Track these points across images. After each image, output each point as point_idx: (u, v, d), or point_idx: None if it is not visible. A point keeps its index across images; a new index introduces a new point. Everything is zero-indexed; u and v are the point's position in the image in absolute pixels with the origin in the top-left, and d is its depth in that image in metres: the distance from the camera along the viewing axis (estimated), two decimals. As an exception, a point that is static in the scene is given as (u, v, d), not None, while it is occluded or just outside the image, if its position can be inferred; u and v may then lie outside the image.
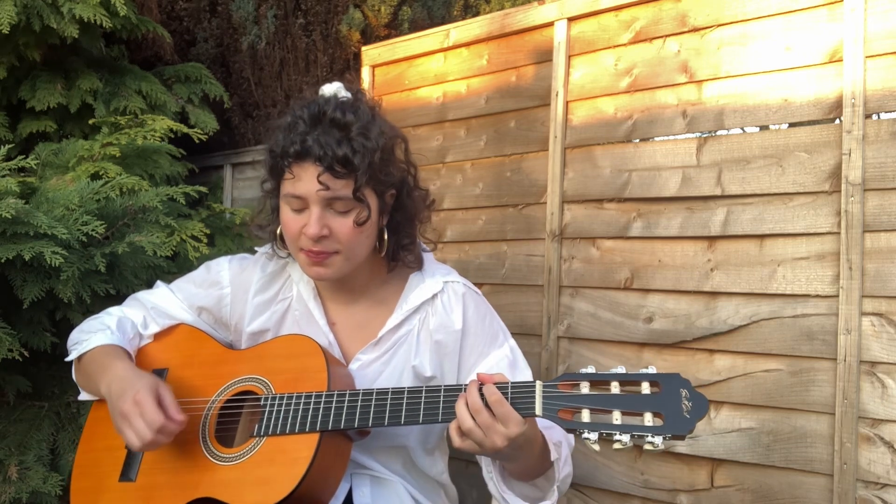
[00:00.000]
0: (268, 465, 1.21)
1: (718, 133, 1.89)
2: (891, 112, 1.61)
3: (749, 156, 1.79)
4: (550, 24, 2.18)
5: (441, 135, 2.46)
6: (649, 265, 1.94)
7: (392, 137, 1.32)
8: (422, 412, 1.19)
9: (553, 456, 1.23)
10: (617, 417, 1.06)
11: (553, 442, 1.23)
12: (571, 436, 1.28)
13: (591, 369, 1.12)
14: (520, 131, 2.26)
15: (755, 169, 1.78)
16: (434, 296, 1.36)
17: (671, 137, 1.94)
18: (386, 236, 1.34)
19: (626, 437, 1.04)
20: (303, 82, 4.07)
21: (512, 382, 1.14)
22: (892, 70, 1.61)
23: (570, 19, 2.14)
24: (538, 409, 1.10)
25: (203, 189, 2.57)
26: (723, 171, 1.83)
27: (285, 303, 1.42)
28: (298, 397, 1.25)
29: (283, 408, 1.25)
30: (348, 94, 1.31)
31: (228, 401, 1.33)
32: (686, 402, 1.05)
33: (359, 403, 1.22)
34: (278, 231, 1.35)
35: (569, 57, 2.14)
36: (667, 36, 1.96)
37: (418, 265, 1.41)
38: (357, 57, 3.85)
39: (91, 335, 1.41)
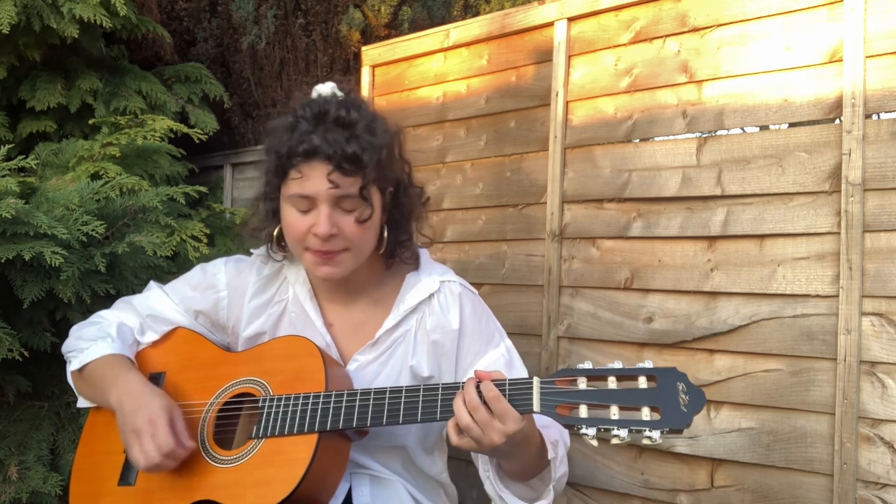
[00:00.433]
0: (267, 467, 1.21)
1: (718, 133, 1.89)
2: (891, 112, 1.61)
3: (749, 156, 1.79)
4: (550, 24, 2.18)
5: (441, 135, 2.46)
6: (649, 265, 1.94)
7: (394, 134, 1.32)
8: (420, 411, 1.18)
9: (550, 455, 1.23)
10: (615, 412, 1.06)
11: (550, 441, 1.23)
12: (567, 434, 1.28)
13: (587, 364, 1.12)
14: (520, 131, 2.26)
15: (755, 169, 1.78)
16: (431, 295, 1.36)
17: (671, 137, 1.93)
18: (385, 233, 1.34)
19: (623, 432, 1.04)
20: (303, 82, 4.07)
21: (509, 379, 1.14)
22: (892, 70, 1.61)
23: (570, 19, 2.14)
24: (536, 406, 1.10)
25: (203, 189, 2.57)
26: (723, 171, 1.83)
27: (281, 305, 1.41)
28: (296, 398, 1.25)
29: (281, 409, 1.25)
30: (341, 94, 1.31)
31: (226, 403, 1.33)
32: (683, 396, 1.05)
33: (357, 403, 1.22)
34: (275, 233, 1.34)
35: (569, 57, 2.14)
36: (667, 36, 1.96)
37: (415, 263, 1.41)
38: (357, 57, 3.85)
39: (92, 343, 1.39)
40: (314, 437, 1.21)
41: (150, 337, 1.45)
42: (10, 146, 2.27)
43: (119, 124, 2.81)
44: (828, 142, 1.68)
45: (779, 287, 1.72)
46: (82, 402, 1.45)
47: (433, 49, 2.48)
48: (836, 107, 1.67)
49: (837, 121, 1.68)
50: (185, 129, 2.92)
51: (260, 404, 1.28)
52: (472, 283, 1.46)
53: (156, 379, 1.38)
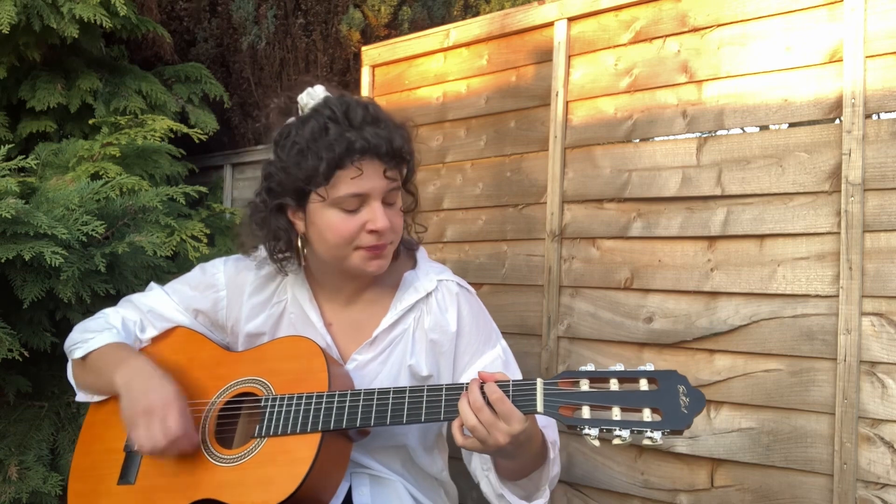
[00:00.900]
0: (269, 466, 1.21)
1: (718, 133, 1.89)
2: (891, 112, 1.61)
3: (749, 156, 1.79)
4: (550, 24, 2.18)
5: (441, 135, 2.46)
6: (649, 265, 1.94)
7: (409, 127, 1.34)
8: (424, 411, 1.19)
9: (551, 455, 1.25)
10: (616, 413, 1.08)
11: (550, 441, 1.26)
12: (557, 437, 1.31)
13: (590, 367, 1.14)
14: (520, 131, 2.26)
15: (755, 169, 1.78)
16: (428, 294, 1.37)
17: (671, 137, 1.94)
18: None
19: (625, 433, 1.06)
20: (303, 82, 4.07)
21: (513, 381, 1.15)
22: (892, 70, 1.61)
23: (570, 19, 2.14)
24: (539, 406, 1.11)
25: (203, 189, 2.57)
26: (723, 171, 1.83)
27: (280, 306, 1.41)
28: (299, 398, 1.25)
29: (283, 408, 1.25)
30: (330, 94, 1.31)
31: (228, 402, 1.33)
32: (684, 398, 1.08)
33: (360, 403, 1.22)
34: (299, 243, 1.32)
35: (569, 57, 2.15)
36: (667, 36, 1.96)
37: (411, 260, 1.43)
38: (357, 57, 3.85)
39: (96, 334, 1.40)
40: (317, 437, 1.21)
41: (150, 333, 1.45)
42: (10, 146, 2.27)
43: (119, 124, 2.81)
44: (828, 142, 1.68)
45: (779, 287, 1.72)
46: (81, 396, 1.45)
47: (433, 49, 2.48)
48: (836, 107, 1.68)
49: (837, 121, 1.68)
50: (185, 129, 2.92)
51: (263, 404, 1.28)
52: (472, 283, 1.46)
53: None
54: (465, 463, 1.37)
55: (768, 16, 1.79)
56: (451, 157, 2.44)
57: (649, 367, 1.11)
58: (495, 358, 1.37)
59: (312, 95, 1.30)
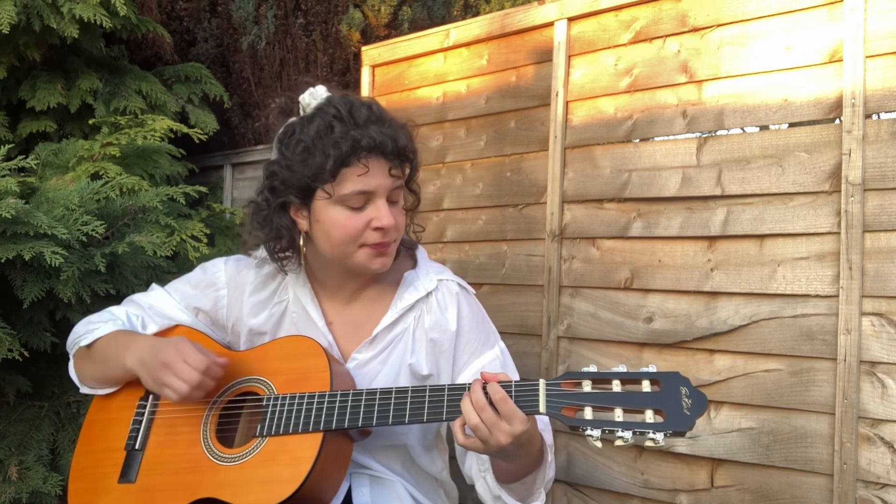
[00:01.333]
0: (271, 465, 1.21)
1: (718, 133, 1.89)
2: (891, 112, 1.61)
3: (749, 156, 1.79)
4: (550, 24, 2.18)
5: (441, 135, 2.46)
6: (649, 265, 1.94)
7: (410, 126, 1.34)
8: (426, 411, 1.19)
9: (549, 458, 1.26)
10: (619, 414, 1.08)
11: (548, 444, 1.26)
12: (552, 440, 1.32)
13: (592, 368, 1.14)
14: (520, 131, 2.26)
15: (755, 169, 1.78)
16: (428, 294, 1.37)
17: (671, 137, 1.94)
18: None
19: (628, 434, 1.06)
20: (303, 83, 4.07)
21: (515, 381, 1.15)
22: (892, 70, 1.61)
23: (570, 19, 2.14)
24: (542, 407, 1.12)
25: (203, 189, 2.57)
26: (723, 171, 1.83)
27: (282, 305, 1.42)
28: (301, 397, 1.25)
29: (286, 408, 1.25)
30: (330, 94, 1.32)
31: (230, 402, 1.33)
32: (686, 400, 1.08)
33: (362, 403, 1.22)
34: (301, 242, 1.33)
35: (569, 57, 2.15)
36: (667, 36, 1.96)
37: (411, 260, 1.43)
38: (357, 57, 3.85)
39: (102, 324, 1.42)
40: (319, 436, 1.21)
41: (152, 329, 1.46)
42: (10, 146, 2.27)
43: (119, 124, 2.81)
44: (828, 142, 1.68)
45: (779, 287, 1.72)
46: (85, 389, 1.45)
47: (433, 49, 2.48)
48: (836, 107, 1.68)
49: (837, 121, 1.68)
50: (185, 129, 2.92)
51: (264, 403, 1.28)
52: (471, 283, 1.46)
53: None
54: (458, 464, 1.37)
55: (768, 16, 1.79)
56: (451, 157, 2.44)
57: (652, 369, 1.12)
58: (493, 359, 1.38)
59: (315, 95, 1.30)
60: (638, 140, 2.01)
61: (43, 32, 2.77)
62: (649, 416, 1.07)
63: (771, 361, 1.72)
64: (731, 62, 1.84)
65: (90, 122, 2.92)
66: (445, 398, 1.19)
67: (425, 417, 1.19)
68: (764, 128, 1.81)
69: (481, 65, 2.37)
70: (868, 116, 1.63)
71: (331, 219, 1.26)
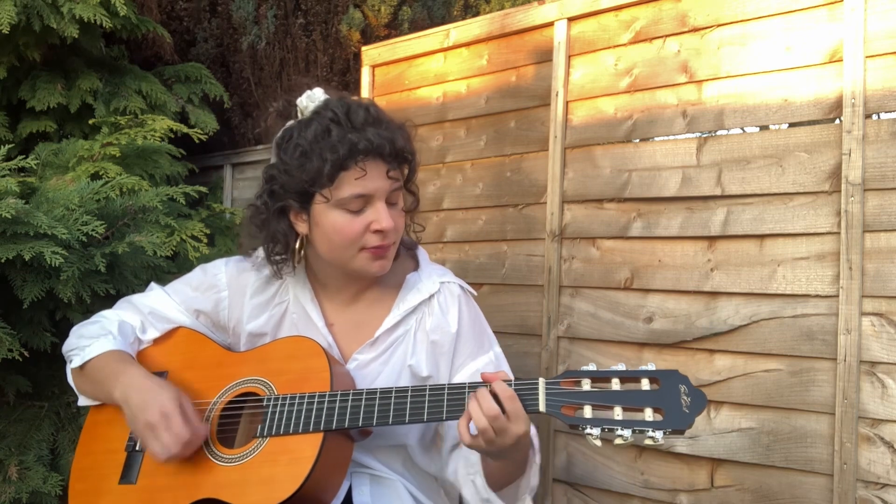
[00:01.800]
0: (271, 465, 1.21)
1: (718, 133, 1.89)
2: (891, 112, 1.61)
3: (749, 156, 1.79)
4: (550, 24, 2.18)
5: (441, 135, 2.46)
6: (649, 265, 1.94)
7: (409, 126, 1.34)
8: (426, 411, 1.19)
9: (537, 459, 1.26)
10: (618, 413, 1.08)
11: (535, 447, 1.26)
12: (538, 444, 1.31)
13: (591, 367, 1.14)
14: (520, 131, 2.26)
15: (755, 169, 1.78)
16: (431, 296, 1.37)
17: (671, 137, 1.94)
18: None
19: (627, 432, 1.06)
20: (303, 83, 4.07)
21: (515, 380, 1.15)
22: (892, 70, 1.61)
23: (570, 19, 2.14)
24: (542, 406, 1.12)
25: (203, 189, 2.57)
26: (723, 171, 1.83)
27: (282, 306, 1.41)
28: (301, 397, 1.25)
29: (286, 408, 1.25)
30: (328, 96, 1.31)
31: (230, 402, 1.33)
32: (685, 398, 1.08)
33: (363, 403, 1.22)
34: (297, 245, 1.33)
35: (569, 57, 2.15)
36: (667, 36, 1.96)
37: (412, 261, 1.43)
38: (357, 57, 3.85)
39: (93, 341, 1.39)
40: (319, 437, 1.21)
41: (152, 334, 1.45)
42: (10, 146, 2.27)
43: (119, 124, 2.81)
44: (828, 142, 1.68)
45: (779, 287, 1.72)
46: (83, 401, 1.45)
47: (433, 49, 2.48)
48: (836, 107, 1.68)
49: (837, 121, 1.68)
50: (185, 129, 2.92)
51: (265, 403, 1.28)
52: (472, 283, 1.46)
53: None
54: (441, 466, 1.36)
55: (768, 16, 1.79)
56: (451, 157, 2.44)
57: (651, 367, 1.12)
58: (487, 363, 1.38)
59: (312, 98, 1.30)
60: (638, 140, 2.01)
61: (43, 32, 2.77)
62: (648, 414, 1.07)
63: (771, 361, 1.72)
64: (731, 62, 1.84)
65: (90, 122, 2.92)
66: (445, 398, 1.19)
67: (425, 417, 1.19)
68: (764, 128, 1.81)
69: (481, 65, 2.37)
70: (868, 116, 1.63)
71: (330, 223, 1.26)
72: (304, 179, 1.24)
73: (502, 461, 1.21)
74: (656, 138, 1.97)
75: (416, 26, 4.19)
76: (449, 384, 1.21)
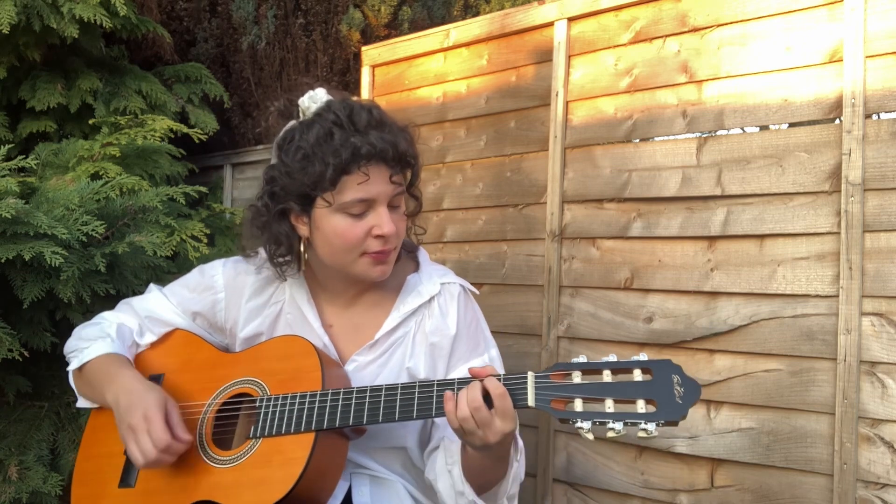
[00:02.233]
0: (264, 466, 1.21)
1: (718, 133, 1.89)
2: (891, 112, 1.61)
3: (749, 156, 1.79)
4: (550, 24, 2.18)
5: (441, 135, 2.46)
6: (649, 265, 1.94)
7: (412, 129, 1.33)
8: (416, 407, 1.19)
9: (520, 457, 1.25)
10: (609, 405, 1.05)
11: (520, 448, 1.25)
12: (523, 447, 1.30)
13: (582, 358, 1.12)
14: (520, 131, 2.26)
15: (755, 169, 1.78)
16: (431, 298, 1.36)
17: (671, 137, 1.93)
18: None
19: (619, 425, 1.04)
20: (303, 83, 4.07)
21: (504, 374, 1.14)
22: (892, 70, 1.61)
23: (570, 19, 2.14)
24: (531, 401, 1.10)
25: (203, 189, 2.57)
26: (723, 171, 1.83)
27: (277, 306, 1.41)
28: (293, 397, 1.25)
29: (278, 408, 1.25)
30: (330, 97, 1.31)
31: (225, 404, 1.33)
32: (678, 388, 1.05)
33: (353, 401, 1.22)
34: (301, 248, 1.32)
35: (569, 57, 2.14)
36: (667, 36, 1.96)
37: (413, 263, 1.43)
38: (357, 57, 3.85)
39: (91, 343, 1.40)
40: (311, 436, 1.21)
41: (149, 338, 1.45)
42: (10, 146, 2.27)
43: (119, 124, 2.81)
44: (828, 142, 1.68)
45: (779, 287, 1.72)
46: (82, 402, 1.45)
47: (433, 49, 2.48)
48: (836, 107, 1.67)
49: (837, 121, 1.68)
50: (185, 129, 2.92)
51: (257, 404, 1.28)
52: (472, 283, 1.46)
53: (155, 381, 1.38)
54: (425, 467, 1.36)
55: (768, 16, 1.79)
56: (451, 157, 2.44)
57: (643, 357, 1.09)
58: (481, 366, 1.38)
59: (314, 99, 1.28)
60: (638, 140, 2.01)
61: (43, 32, 2.77)
62: (641, 406, 1.04)
63: (771, 361, 1.72)
64: (731, 62, 1.84)
65: (90, 122, 2.92)
66: (434, 394, 1.19)
67: (415, 414, 1.18)
68: (764, 128, 1.81)
69: (481, 65, 2.37)
70: (868, 116, 1.63)
71: (331, 227, 1.25)
72: (306, 183, 1.23)
73: (483, 453, 1.20)
74: (656, 138, 1.97)
75: (416, 26, 4.19)
76: (438, 380, 1.20)
